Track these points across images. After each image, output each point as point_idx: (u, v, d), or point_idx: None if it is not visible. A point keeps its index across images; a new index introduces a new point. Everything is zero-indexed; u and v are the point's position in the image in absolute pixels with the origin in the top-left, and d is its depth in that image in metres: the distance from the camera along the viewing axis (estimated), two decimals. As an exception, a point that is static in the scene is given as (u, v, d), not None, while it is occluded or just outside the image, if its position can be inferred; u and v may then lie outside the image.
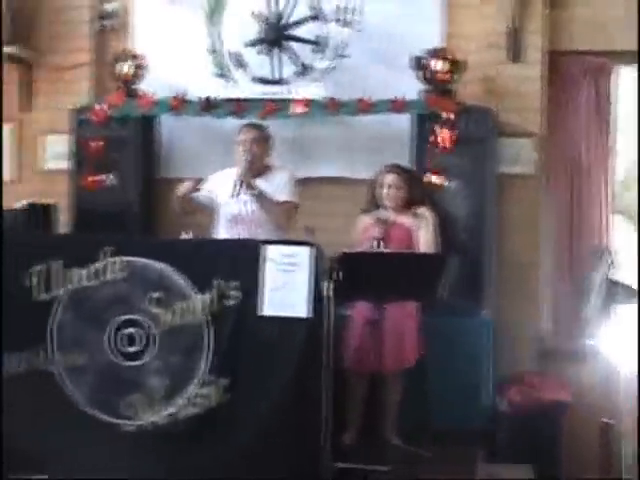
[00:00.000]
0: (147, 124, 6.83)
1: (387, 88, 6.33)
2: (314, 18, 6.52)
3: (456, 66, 6.26)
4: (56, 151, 6.93)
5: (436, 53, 6.28)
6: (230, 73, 6.62)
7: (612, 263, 6.01)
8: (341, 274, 4.78)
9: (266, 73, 6.60)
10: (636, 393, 5.36)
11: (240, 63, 6.60)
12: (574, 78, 6.70)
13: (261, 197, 5.73)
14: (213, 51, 6.64)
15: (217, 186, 5.97)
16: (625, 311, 5.72)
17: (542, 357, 6.42)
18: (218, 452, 4.75)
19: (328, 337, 4.78)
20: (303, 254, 4.75)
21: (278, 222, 5.82)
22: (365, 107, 6.33)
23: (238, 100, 6.50)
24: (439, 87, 6.27)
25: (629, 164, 6.96)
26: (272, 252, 4.79)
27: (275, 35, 6.57)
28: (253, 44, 6.61)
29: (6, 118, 7.06)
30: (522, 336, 6.36)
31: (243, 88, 6.57)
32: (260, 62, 6.60)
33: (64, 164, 6.83)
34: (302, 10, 6.54)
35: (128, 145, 6.72)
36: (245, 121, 6.18)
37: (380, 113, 6.36)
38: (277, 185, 5.87)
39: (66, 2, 7.04)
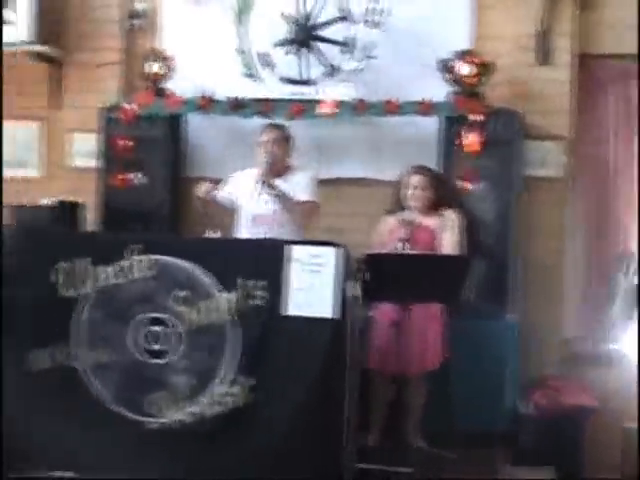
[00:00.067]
0: (174, 123, 6.87)
1: (415, 90, 6.34)
2: (342, 19, 6.52)
3: (484, 68, 6.24)
4: (84, 149, 6.97)
5: (463, 55, 6.27)
6: (258, 73, 6.62)
7: (638, 267, 5.99)
8: (367, 275, 4.78)
9: (294, 73, 6.60)
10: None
11: (268, 63, 6.60)
12: (602, 81, 6.67)
13: (282, 197, 5.75)
14: (241, 51, 6.64)
15: (237, 187, 6.02)
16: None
17: (567, 361, 6.40)
18: (242, 451, 4.75)
19: (352, 338, 4.79)
20: (329, 255, 4.75)
21: (299, 222, 5.85)
22: (392, 109, 6.33)
23: (266, 100, 6.52)
24: (467, 89, 6.26)
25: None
26: (298, 252, 4.79)
27: (303, 36, 6.58)
28: (281, 44, 6.61)
29: (35, 116, 7.17)
30: (547, 339, 6.34)
31: (271, 88, 6.58)
32: (288, 62, 6.60)
33: (92, 162, 6.87)
34: (330, 11, 6.54)
35: (156, 144, 6.76)
36: (266, 121, 6.21)
37: (407, 115, 6.36)
38: (298, 185, 5.89)
39: (96, 1, 7.08)
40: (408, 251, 5.40)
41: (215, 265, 4.85)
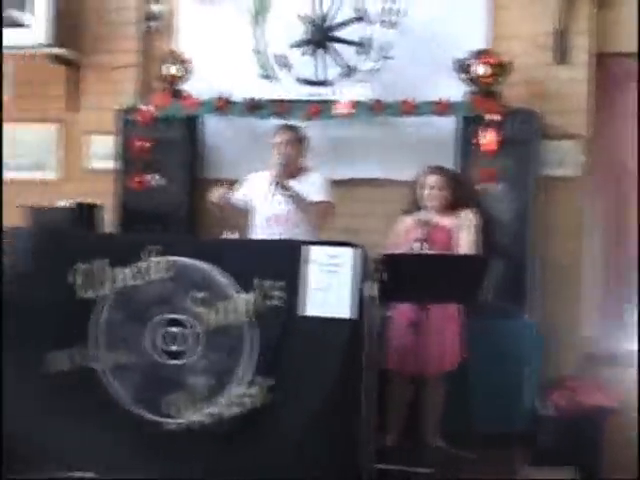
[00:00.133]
0: (191, 125, 6.88)
1: (431, 90, 6.34)
2: (359, 19, 6.52)
3: (501, 68, 6.23)
4: (102, 151, 6.99)
5: (480, 55, 6.25)
6: (274, 74, 6.63)
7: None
8: (385, 275, 4.77)
9: (311, 74, 6.61)
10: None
11: (285, 64, 6.61)
12: (620, 80, 6.64)
13: (296, 198, 5.76)
14: (258, 52, 6.65)
15: (252, 189, 6.03)
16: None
17: (585, 361, 6.37)
18: (260, 452, 4.75)
19: (370, 338, 4.78)
20: (347, 255, 4.74)
21: (314, 222, 5.85)
22: (409, 109, 6.32)
23: (282, 101, 6.53)
24: (484, 89, 6.25)
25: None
26: (316, 253, 4.79)
27: (320, 36, 6.59)
28: (298, 45, 6.62)
29: (53, 118, 7.21)
30: (565, 340, 6.32)
31: (287, 89, 6.59)
32: (305, 63, 6.61)
33: (109, 164, 6.89)
34: (347, 12, 6.55)
35: (173, 146, 6.78)
36: (280, 122, 6.22)
37: (424, 115, 6.36)
38: (312, 185, 5.89)
39: (112, 3, 7.12)
40: (425, 251, 5.40)
41: (233, 266, 4.85)
